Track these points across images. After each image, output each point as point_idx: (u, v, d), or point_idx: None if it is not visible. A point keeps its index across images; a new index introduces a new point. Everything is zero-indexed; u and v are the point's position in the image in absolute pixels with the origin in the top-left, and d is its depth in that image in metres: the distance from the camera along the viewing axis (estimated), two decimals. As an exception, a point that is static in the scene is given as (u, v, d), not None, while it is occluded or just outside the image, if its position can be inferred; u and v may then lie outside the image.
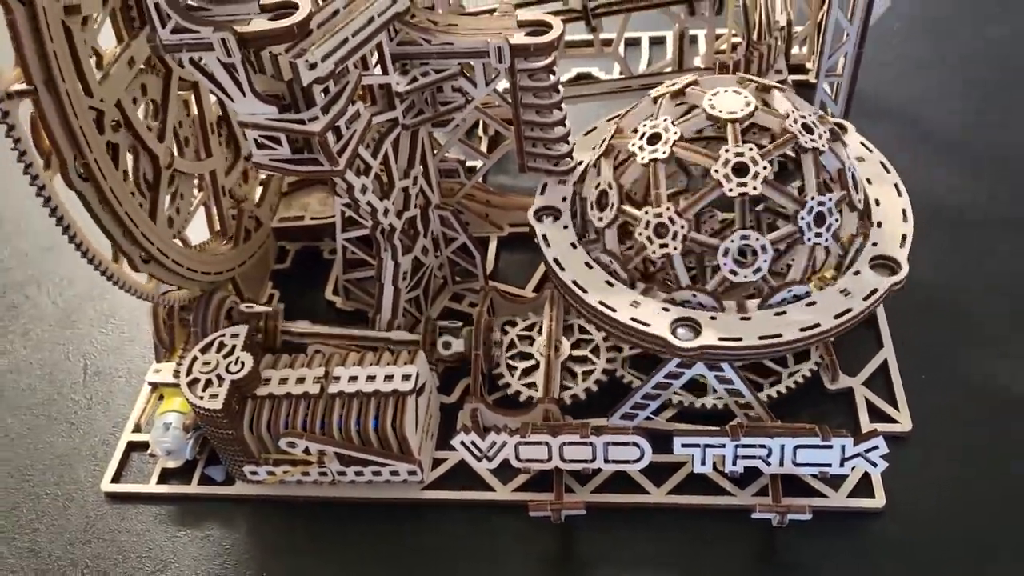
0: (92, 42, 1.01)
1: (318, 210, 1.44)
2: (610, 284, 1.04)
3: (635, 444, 1.05)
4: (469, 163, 1.41)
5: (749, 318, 1.00)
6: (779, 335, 0.98)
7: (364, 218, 1.17)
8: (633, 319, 1.00)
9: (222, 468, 1.18)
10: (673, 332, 0.99)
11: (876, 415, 1.15)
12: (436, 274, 1.33)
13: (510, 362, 1.24)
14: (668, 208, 1.00)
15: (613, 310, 1.01)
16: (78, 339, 1.39)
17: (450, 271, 1.34)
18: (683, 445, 1.04)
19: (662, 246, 1.00)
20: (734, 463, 1.05)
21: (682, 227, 0.99)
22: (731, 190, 0.98)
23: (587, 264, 1.07)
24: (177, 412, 1.17)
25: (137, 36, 1.09)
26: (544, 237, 1.12)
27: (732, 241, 0.99)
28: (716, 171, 0.98)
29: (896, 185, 1.11)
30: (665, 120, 1.04)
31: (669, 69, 1.55)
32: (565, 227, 1.10)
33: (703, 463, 1.05)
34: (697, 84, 1.06)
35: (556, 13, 1.42)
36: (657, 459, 1.06)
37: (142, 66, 1.09)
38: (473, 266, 1.33)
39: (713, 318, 1.00)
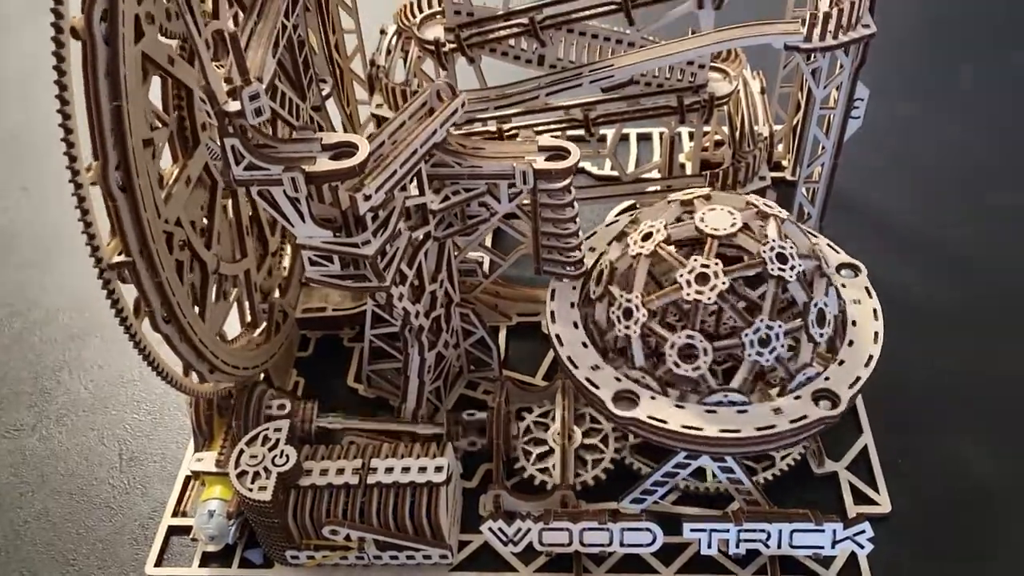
0: (157, 168, 1.11)
1: (338, 301, 1.55)
2: (617, 379, 1.15)
3: (648, 530, 1.16)
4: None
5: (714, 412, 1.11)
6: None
7: (395, 319, 1.27)
8: (684, 426, 1.10)
9: (261, 551, 1.27)
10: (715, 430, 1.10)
11: (859, 497, 1.28)
12: (454, 364, 1.44)
13: (525, 447, 1.34)
14: (636, 296, 1.12)
15: (665, 421, 1.11)
16: (112, 424, 1.47)
17: (466, 361, 1.45)
18: (692, 530, 1.16)
19: (626, 327, 1.13)
20: (737, 545, 1.16)
21: (643, 315, 1.12)
22: (688, 295, 1.10)
23: (595, 366, 1.17)
24: (219, 499, 1.26)
25: (192, 156, 1.20)
26: (557, 336, 1.22)
27: (679, 338, 1.11)
28: (680, 275, 1.11)
29: (874, 310, 1.22)
30: (661, 222, 1.17)
31: (657, 172, 1.69)
32: (585, 345, 1.20)
33: (709, 546, 1.17)
34: (708, 199, 1.19)
35: (559, 122, 1.57)
36: (666, 540, 1.17)
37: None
38: (488, 356, 1.44)
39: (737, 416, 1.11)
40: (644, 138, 1.91)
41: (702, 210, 1.17)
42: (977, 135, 1.90)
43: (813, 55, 1.33)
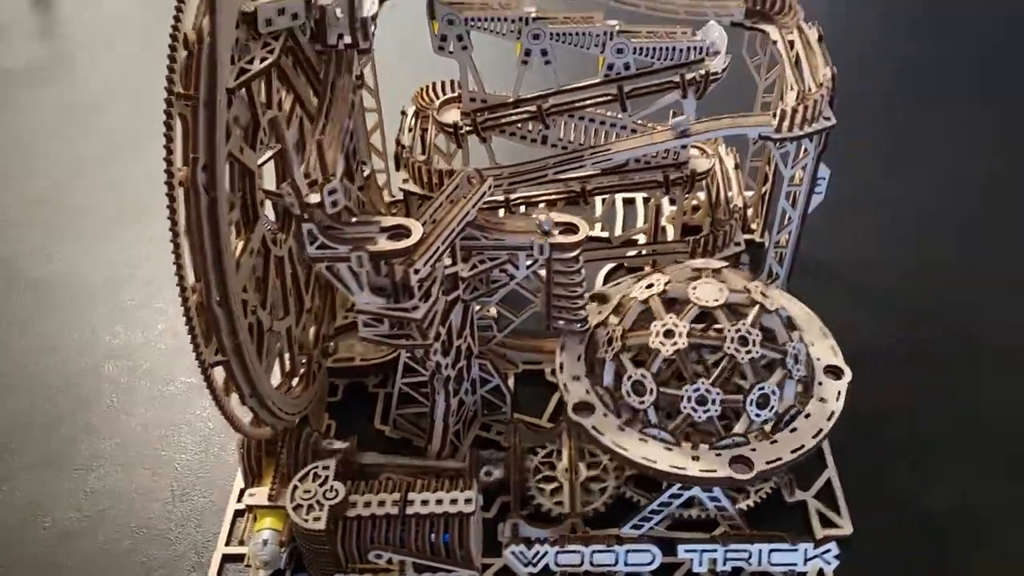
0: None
1: (362, 351, 1.73)
2: (643, 441, 1.34)
3: (648, 551, 1.36)
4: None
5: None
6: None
7: (426, 371, 1.47)
8: (703, 471, 1.30)
9: None
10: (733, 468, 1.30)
11: (825, 521, 1.49)
12: (471, 408, 1.63)
13: (539, 483, 1.53)
14: (702, 383, 1.32)
15: (684, 468, 1.31)
16: (163, 464, 1.63)
17: (481, 405, 1.64)
18: (685, 551, 1.37)
19: (705, 411, 1.32)
20: (724, 564, 1.37)
21: (717, 395, 1.31)
22: (653, 343, 1.32)
23: (620, 427, 1.37)
24: (271, 529, 1.43)
25: (253, 230, 1.39)
26: (595, 428, 1.37)
27: (754, 394, 1.32)
28: (653, 325, 1.34)
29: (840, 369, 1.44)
30: (665, 278, 1.39)
31: (643, 238, 1.91)
32: (605, 415, 1.38)
33: (701, 564, 1.37)
34: (718, 272, 1.41)
35: (559, 193, 1.78)
36: (663, 560, 1.37)
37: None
38: (499, 401, 1.64)
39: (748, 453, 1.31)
40: (629, 202, 2.14)
41: (702, 279, 1.38)
42: (926, 199, 2.17)
43: (782, 143, 1.55)
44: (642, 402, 1.33)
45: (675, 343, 1.32)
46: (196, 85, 1.10)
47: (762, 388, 1.32)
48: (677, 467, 1.29)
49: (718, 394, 1.31)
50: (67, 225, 2.22)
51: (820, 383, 1.40)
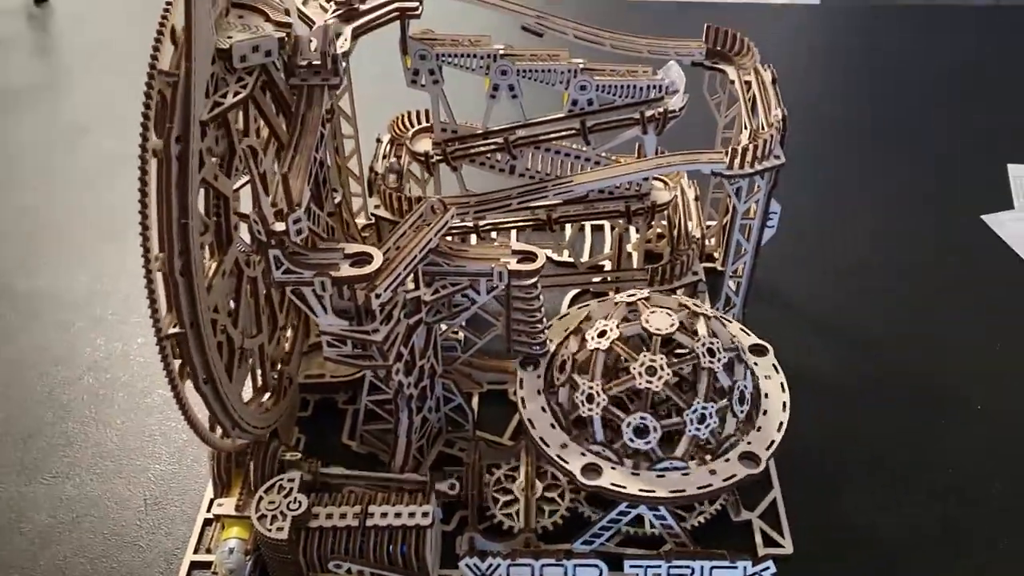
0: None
1: (333, 369, 1.80)
2: (585, 456, 1.41)
3: (596, 566, 1.43)
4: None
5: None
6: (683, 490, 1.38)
7: (390, 389, 1.54)
8: (613, 483, 1.38)
9: (271, 583, 1.51)
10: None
11: (768, 540, 1.55)
12: (434, 425, 1.70)
13: (495, 495, 1.60)
14: (597, 384, 1.40)
15: (624, 487, 1.38)
16: (137, 472, 1.70)
17: (445, 422, 1.71)
18: (631, 566, 1.44)
19: (588, 409, 1.41)
20: (667, 579, 1.44)
21: (603, 399, 1.40)
22: (640, 384, 1.39)
23: (563, 444, 1.44)
24: (238, 538, 1.50)
25: (227, 252, 1.46)
26: (530, 421, 1.48)
27: (633, 419, 1.39)
28: (634, 368, 1.40)
29: (781, 384, 1.52)
30: (613, 323, 1.46)
31: (608, 264, 1.99)
32: (552, 426, 1.46)
33: (645, 579, 1.44)
34: (648, 300, 1.48)
35: (526, 220, 1.86)
36: (610, 575, 1.44)
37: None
38: (463, 419, 1.71)
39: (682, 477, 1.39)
40: (597, 228, 2.21)
41: (645, 313, 1.45)
42: (869, 232, 2.27)
43: (734, 179, 1.63)
44: (648, 442, 1.40)
45: (661, 376, 1.39)
46: (172, 119, 1.18)
47: (738, 386, 1.42)
48: (616, 484, 1.37)
49: (712, 407, 1.39)
50: (51, 239, 2.29)
51: (765, 412, 1.47)
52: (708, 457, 1.43)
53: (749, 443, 1.43)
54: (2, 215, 2.38)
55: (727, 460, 1.41)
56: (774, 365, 1.55)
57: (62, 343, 1.98)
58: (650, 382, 1.39)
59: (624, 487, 1.37)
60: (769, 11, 3.53)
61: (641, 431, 1.40)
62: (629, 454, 1.42)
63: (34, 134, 2.73)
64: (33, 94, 2.93)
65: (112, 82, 2.96)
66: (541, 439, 1.43)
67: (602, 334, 1.44)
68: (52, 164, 2.59)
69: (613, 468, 1.39)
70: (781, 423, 1.46)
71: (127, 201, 2.27)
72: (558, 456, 1.41)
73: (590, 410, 1.41)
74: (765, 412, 1.48)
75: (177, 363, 1.31)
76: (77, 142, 2.68)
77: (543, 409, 1.48)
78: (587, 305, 1.65)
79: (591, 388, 1.41)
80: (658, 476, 1.38)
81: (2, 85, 2.98)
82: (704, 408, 1.40)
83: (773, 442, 1.43)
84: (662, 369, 1.39)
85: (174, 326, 1.26)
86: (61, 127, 2.75)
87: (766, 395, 1.51)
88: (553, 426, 1.45)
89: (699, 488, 1.36)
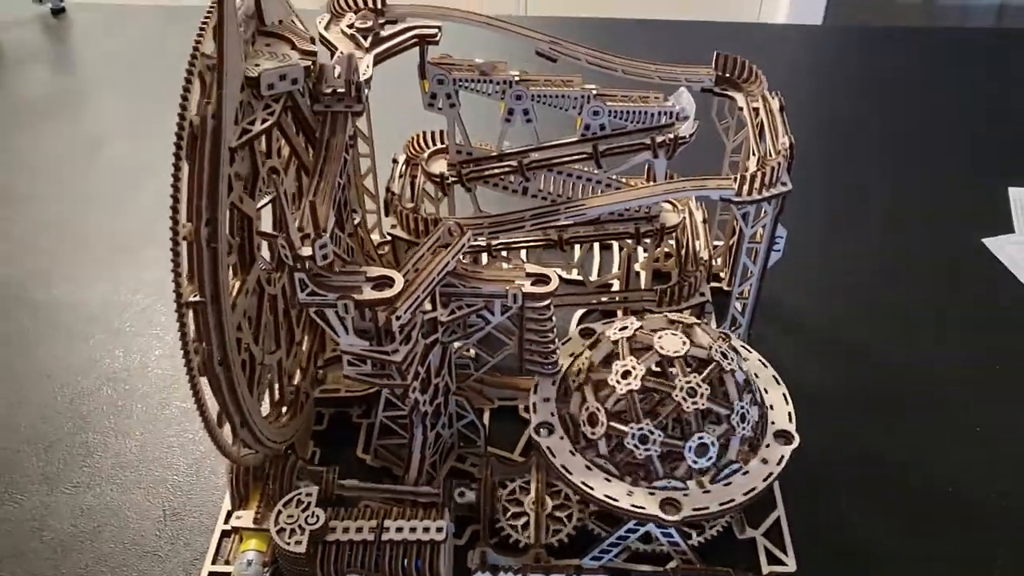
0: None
1: (348, 384, 1.84)
2: (608, 480, 1.45)
3: (604, 581, 1.47)
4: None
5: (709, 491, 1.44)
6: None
7: (405, 406, 1.58)
8: (633, 505, 1.41)
9: (288, 594, 1.55)
10: (662, 509, 1.40)
11: (771, 558, 1.60)
12: (447, 441, 1.74)
13: (506, 505, 1.64)
14: (647, 424, 1.43)
15: (616, 500, 1.42)
16: (156, 484, 1.74)
17: (457, 438, 1.75)
18: (639, 582, 1.48)
19: (646, 450, 1.43)
20: (675, 595, 1.48)
21: (659, 435, 1.43)
22: (688, 407, 1.42)
23: (587, 467, 1.48)
24: (256, 550, 1.54)
25: (249, 271, 1.50)
26: (548, 448, 1.51)
27: (694, 441, 1.43)
28: (676, 395, 1.43)
29: (784, 395, 1.57)
30: (630, 360, 1.49)
31: (617, 283, 2.03)
32: (561, 438, 1.51)
33: (653, 595, 1.48)
34: (643, 328, 1.52)
35: (536, 241, 1.90)
36: (618, 591, 1.49)
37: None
38: (475, 435, 1.75)
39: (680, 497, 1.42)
40: (606, 247, 2.26)
41: (652, 340, 1.49)
42: (877, 253, 2.32)
43: (742, 205, 1.67)
44: (594, 433, 1.44)
45: (629, 384, 1.44)
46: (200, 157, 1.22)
47: (702, 438, 1.43)
48: (610, 497, 1.41)
49: (659, 435, 1.42)
50: (70, 251, 2.33)
51: (768, 445, 1.51)
52: (706, 480, 1.47)
53: (768, 446, 1.50)
54: (22, 227, 2.43)
55: (728, 484, 1.45)
56: (774, 377, 1.60)
57: (81, 354, 2.02)
58: (696, 403, 1.43)
59: (706, 507, 1.41)
60: (776, 31, 3.59)
61: (702, 449, 1.44)
62: (692, 476, 1.46)
63: (53, 146, 2.77)
64: (51, 106, 2.98)
65: (130, 93, 3.01)
66: (549, 448, 1.48)
67: (626, 375, 1.47)
68: (71, 176, 2.63)
69: (686, 495, 1.42)
70: (789, 413, 1.54)
71: (145, 213, 2.36)
72: (632, 506, 1.41)
73: (647, 450, 1.43)
74: (772, 422, 1.54)
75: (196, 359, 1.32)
76: (95, 154, 2.72)
77: (552, 415, 1.53)
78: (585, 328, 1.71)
79: (642, 430, 1.43)
80: (651, 494, 1.43)
81: (21, 98, 3.03)
82: (742, 407, 1.45)
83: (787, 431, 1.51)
84: (699, 387, 1.43)
85: (194, 295, 1.27)
86: (79, 139, 2.80)
87: (771, 406, 1.56)
88: (562, 438, 1.49)
89: (695, 510, 1.41)
